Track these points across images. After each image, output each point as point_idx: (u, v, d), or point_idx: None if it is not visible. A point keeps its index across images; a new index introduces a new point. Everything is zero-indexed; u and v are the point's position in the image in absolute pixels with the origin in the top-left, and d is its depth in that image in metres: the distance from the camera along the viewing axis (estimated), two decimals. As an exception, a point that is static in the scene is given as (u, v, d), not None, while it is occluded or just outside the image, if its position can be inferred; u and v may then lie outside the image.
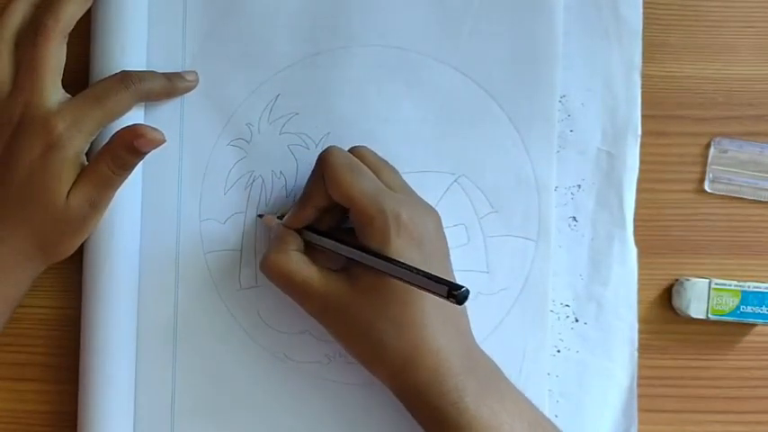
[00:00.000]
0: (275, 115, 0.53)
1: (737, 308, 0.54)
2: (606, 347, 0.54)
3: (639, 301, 0.54)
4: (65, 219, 0.48)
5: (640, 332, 0.54)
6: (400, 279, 0.45)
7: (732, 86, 0.55)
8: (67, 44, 0.50)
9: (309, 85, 0.53)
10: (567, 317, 0.54)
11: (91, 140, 0.49)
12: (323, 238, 0.49)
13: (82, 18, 0.50)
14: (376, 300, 0.47)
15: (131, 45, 0.52)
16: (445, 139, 0.54)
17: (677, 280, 0.55)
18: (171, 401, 0.53)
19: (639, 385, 0.54)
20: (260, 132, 0.53)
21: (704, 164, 0.55)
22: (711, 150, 0.55)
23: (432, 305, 0.47)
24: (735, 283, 0.54)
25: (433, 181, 0.53)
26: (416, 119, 0.54)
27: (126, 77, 0.50)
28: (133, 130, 0.47)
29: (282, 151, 0.53)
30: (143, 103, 0.52)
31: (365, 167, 0.49)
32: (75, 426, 0.52)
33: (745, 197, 0.55)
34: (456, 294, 0.42)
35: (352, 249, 0.47)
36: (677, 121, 0.55)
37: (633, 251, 0.54)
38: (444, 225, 0.50)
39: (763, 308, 0.54)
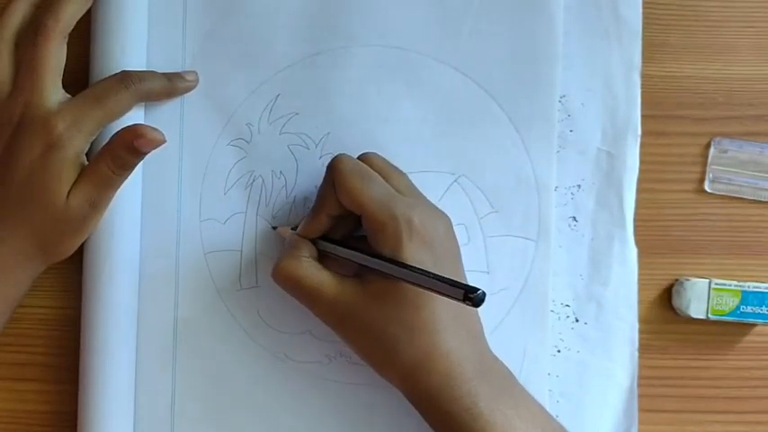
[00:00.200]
0: (275, 115, 0.53)
1: (737, 308, 0.54)
2: (606, 347, 0.54)
3: (639, 301, 0.54)
4: (65, 219, 0.48)
5: (640, 332, 0.54)
6: (415, 284, 0.45)
7: (732, 86, 0.55)
8: (67, 44, 0.50)
9: (309, 85, 0.53)
10: (568, 317, 0.54)
11: (91, 140, 0.49)
12: (336, 247, 0.49)
13: (82, 18, 0.50)
14: (388, 304, 0.47)
15: (131, 45, 0.52)
16: (445, 139, 0.54)
17: (677, 280, 0.55)
18: (171, 402, 0.53)
19: (639, 385, 0.54)
20: (260, 132, 0.53)
21: (704, 164, 0.55)
22: (711, 150, 0.55)
23: (443, 309, 0.47)
24: (735, 283, 0.54)
25: (433, 181, 0.53)
26: (416, 119, 0.54)
27: (126, 77, 0.50)
28: (133, 130, 0.47)
29: (282, 151, 0.53)
30: (143, 103, 0.52)
31: (375, 173, 0.49)
32: (75, 426, 0.52)
33: (745, 197, 0.55)
34: (472, 297, 0.42)
35: (365, 256, 0.47)
36: (677, 121, 0.55)
37: (633, 251, 0.54)
38: (446, 225, 0.50)
39: (763, 308, 0.54)
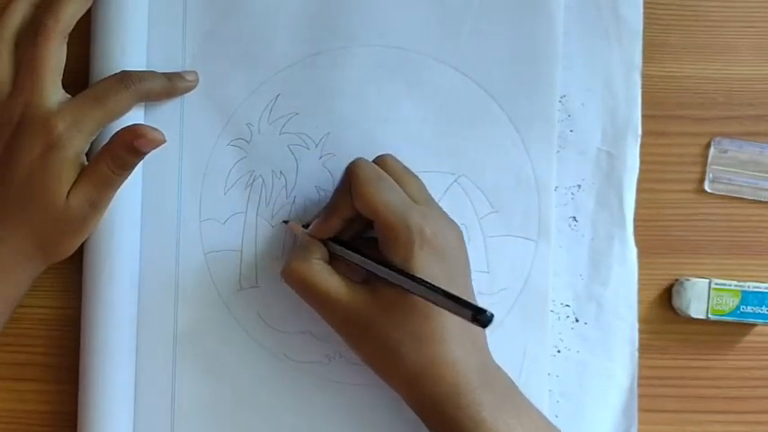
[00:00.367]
0: (275, 115, 0.53)
1: (737, 308, 0.54)
2: (606, 347, 0.54)
3: (639, 301, 0.54)
4: (65, 219, 0.48)
5: (640, 332, 0.54)
6: (425, 299, 0.46)
7: (732, 86, 0.55)
8: (67, 44, 0.50)
9: (309, 85, 0.53)
10: (568, 317, 0.54)
11: (91, 140, 0.49)
12: (350, 252, 0.49)
13: (82, 18, 0.50)
14: (397, 314, 0.47)
15: (131, 45, 0.52)
16: (445, 139, 0.54)
17: (677, 280, 0.55)
18: (171, 401, 0.53)
19: (639, 385, 0.54)
20: (260, 132, 0.53)
21: (704, 164, 0.55)
22: (711, 150, 0.55)
23: (451, 320, 0.47)
24: (735, 283, 0.54)
25: (433, 181, 0.53)
26: (416, 119, 0.54)
27: (126, 77, 0.50)
28: (133, 130, 0.47)
29: (282, 151, 0.53)
30: (143, 103, 0.52)
31: (391, 180, 0.49)
32: (75, 426, 0.52)
33: (745, 197, 0.55)
34: (480, 319, 0.43)
35: (379, 266, 0.47)
36: (677, 121, 0.55)
37: (633, 251, 0.54)
38: (445, 225, 0.50)
39: (763, 308, 0.54)
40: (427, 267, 0.47)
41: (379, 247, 0.49)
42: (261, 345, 0.53)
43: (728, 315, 0.54)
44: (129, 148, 0.47)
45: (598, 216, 0.54)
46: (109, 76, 0.50)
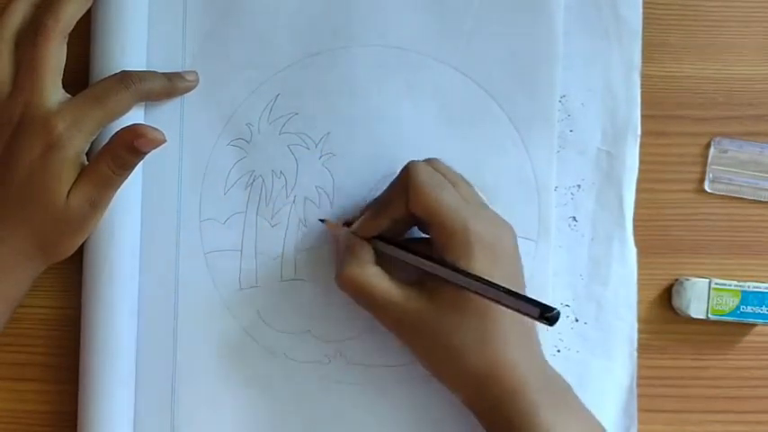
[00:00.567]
0: (275, 115, 0.53)
1: (737, 308, 0.54)
2: (606, 347, 0.54)
3: (639, 301, 0.54)
4: (65, 219, 0.48)
5: (640, 332, 0.54)
6: (489, 298, 0.45)
7: (732, 86, 0.55)
8: (67, 44, 0.50)
9: (309, 85, 0.53)
10: (567, 317, 0.54)
11: (91, 140, 0.49)
12: (405, 252, 0.49)
13: (82, 18, 0.50)
14: (456, 315, 0.47)
15: (131, 45, 0.52)
16: (445, 139, 0.54)
17: (677, 280, 0.55)
18: (171, 401, 0.53)
19: (639, 385, 0.54)
20: (260, 132, 0.53)
21: (704, 164, 0.55)
22: (711, 150, 0.55)
23: (511, 321, 0.47)
24: (735, 283, 0.54)
25: (433, 181, 0.53)
26: (416, 119, 0.54)
27: (126, 77, 0.50)
28: (133, 130, 0.47)
29: (282, 151, 0.53)
30: (143, 103, 0.52)
31: (448, 183, 0.49)
32: (76, 426, 0.52)
33: (745, 197, 0.55)
34: (548, 316, 0.42)
35: (440, 266, 0.47)
36: (677, 121, 0.55)
37: (633, 251, 0.54)
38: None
39: (763, 308, 0.54)
40: (484, 268, 0.47)
41: (434, 248, 0.49)
42: (261, 345, 0.53)
43: (728, 315, 0.54)
44: (129, 148, 0.47)
45: (598, 216, 0.54)
46: (109, 76, 0.50)
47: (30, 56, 0.49)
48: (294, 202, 0.53)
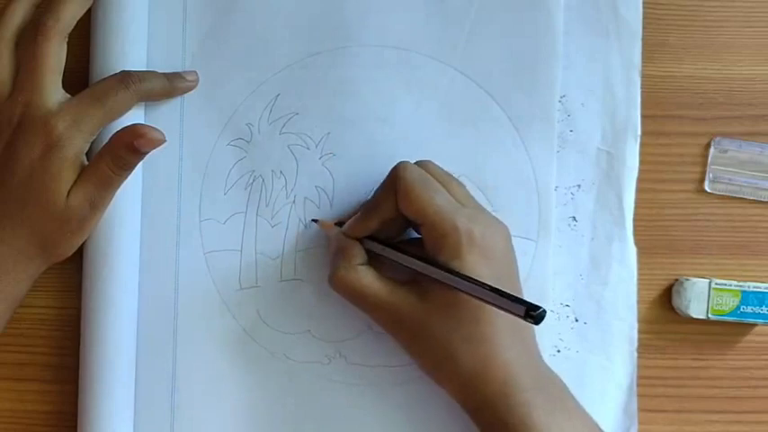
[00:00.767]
0: (275, 115, 0.53)
1: (737, 308, 0.54)
2: (606, 347, 0.54)
3: (639, 301, 0.54)
4: (65, 219, 0.48)
5: (640, 332, 0.54)
6: (476, 297, 0.46)
7: (732, 86, 0.55)
8: (67, 44, 0.50)
9: (309, 85, 0.53)
10: (567, 317, 0.54)
11: (91, 140, 0.49)
12: (394, 252, 0.49)
13: (82, 18, 0.50)
14: (448, 315, 0.47)
15: (131, 45, 0.52)
16: (445, 139, 0.54)
17: (677, 280, 0.55)
18: (171, 401, 0.53)
19: (639, 385, 0.54)
20: (260, 132, 0.53)
21: (704, 164, 0.55)
22: (711, 150, 0.55)
23: (503, 321, 0.47)
24: (735, 283, 0.54)
25: (433, 181, 0.53)
26: (416, 119, 0.54)
27: (126, 77, 0.50)
28: (133, 130, 0.47)
29: (282, 151, 0.53)
30: (143, 103, 0.52)
31: (438, 184, 0.49)
32: (76, 426, 0.52)
33: (745, 197, 0.55)
34: (534, 315, 0.43)
35: (429, 266, 0.47)
36: (677, 121, 0.55)
37: (633, 251, 0.54)
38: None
39: (763, 308, 0.54)
40: (475, 268, 0.47)
41: (426, 248, 0.49)
42: (261, 345, 0.53)
43: (728, 315, 0.54)
44: (129, 148, 0.47)
45: (598, 216, 0.54)
46: (109, 76, 0.50)
47: (30, 56, 0.49)
48: (294, 202, 0.53)
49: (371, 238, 0.50)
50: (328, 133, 0.54)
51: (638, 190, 0.54)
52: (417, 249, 0.49)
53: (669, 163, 0.55)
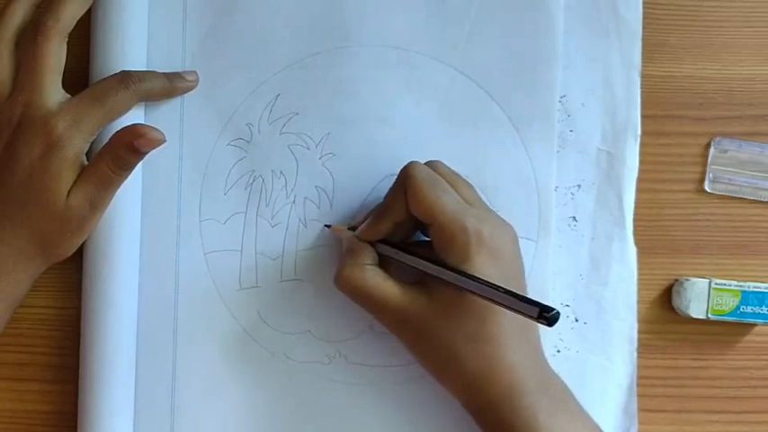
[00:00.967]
0: (275, 115, 0.53)
1: (737, 308, 0.54)
2: (606, 347, 0.54)
3: (639, 301, 0.54)
4: (65, 219, 0.48)
5: (640, 332, 0.54)
6: (489, 299, 0.45)
7: (732, 86, 0.55)
8: (67, 44, 0.50)
9: (309, 85, 0.53)
10: (567, 317, 0.54)
11: (91, 140, 0.49)
12: (405, 254, 0.49)
13: (82, 18, 0.50)
14: (454, 315, 0.47)
15: (131, 45, 0.52)
16: (445, 139, 0.54)
17: (677, 280, 0.55)
18: (171, 401, 0.53)
19: (639, 385, 0.54)
20: (260, 132, 0.53)
21: (704, 164, 0.55)
22: (711, 150, 0.55)
23: (509, 322, 0.47)
24: (735, 283, 0.54)
25: (433, 181, 0.53)
26: (416, 119, 0.54)
27: (126, 77, 0.50)
28: (133, 130, 0.47)
29: (282, 151, 0.53)
30: (143, 103, 0.52)
31: (447, 184, 0.49)
32: (76, 426, 0.52)
33: (745, 197, 0.55)
34: (547, 317, 0.42)
35: (437, 267, 0.47)
36: (677, 121, 0.55)
37: (633, 251, 0.54)
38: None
39: (763, 308, 0.54)
40: (484, 269, 0.47)
41: (435, 249, 0.49)
42: (261, 345, 0.53)
43: (728, 315, 0.54)
44: (129, 148, 0.47)
45: (598, 216, 0.54)
46: (109, 76, 0.50)
47: (30, 56, 0.49)
48: (294, 202, 0.53)
49: (383, 241, 0.50)
50: (328, 133, 0.54)
51: (638, 190, 0.54)
52: (426, 251, 0.49)
53: (669, 163, 0.55)
